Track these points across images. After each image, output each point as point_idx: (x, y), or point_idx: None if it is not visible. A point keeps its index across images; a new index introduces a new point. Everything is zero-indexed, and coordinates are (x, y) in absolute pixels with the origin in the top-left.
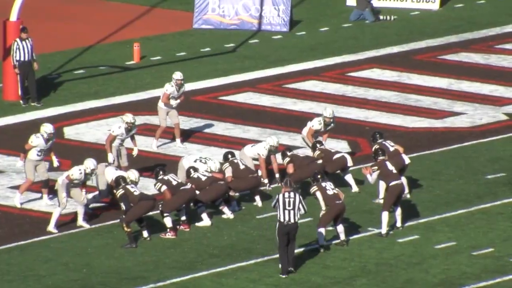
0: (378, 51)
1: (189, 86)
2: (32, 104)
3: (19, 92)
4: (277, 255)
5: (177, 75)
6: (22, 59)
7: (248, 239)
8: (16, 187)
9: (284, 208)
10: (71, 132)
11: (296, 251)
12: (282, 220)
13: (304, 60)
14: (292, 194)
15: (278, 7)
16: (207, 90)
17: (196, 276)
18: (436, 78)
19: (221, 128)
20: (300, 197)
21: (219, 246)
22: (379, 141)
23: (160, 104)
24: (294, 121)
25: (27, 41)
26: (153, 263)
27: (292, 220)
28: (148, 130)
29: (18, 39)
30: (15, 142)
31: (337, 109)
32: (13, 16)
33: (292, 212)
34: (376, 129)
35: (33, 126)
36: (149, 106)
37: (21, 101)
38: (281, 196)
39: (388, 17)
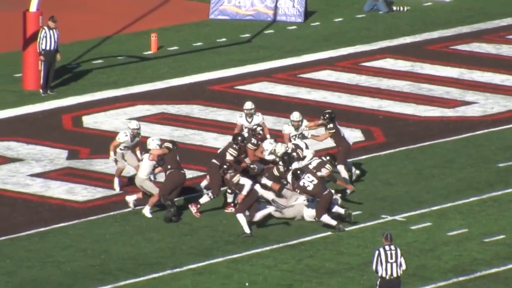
0: (391, 41)
1: (205, 76)
2: (43, 94)
3: (41, 81)
4: (293, 242)
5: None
6: (48, 48)
7: (263, 226)
8: (36, 175)
9: (387, 262)
10: (90, 121)
11: (309, 238)
12: (384, 275)
13: (318, 50)
14: (393, 247)
15: None
16: (223, 80)
17: (212, 262)
18: (448, 68)
19: (237, 117)
20: (402, 251)
21: (235, 233)
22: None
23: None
24: (308, 110)
25: (54, 30)
26: (170, 250)
27: (394, 274)
28: (165, 119)
29: (46, 27)
30: (34, 131)
31: (351, 98)
32: (33, 7)
33: (394, 265)
34: (390, 118)
35: (52, 115)
36: (166, 96)
37: (40, 90)
38: (382, 249)
39: (401, 8)
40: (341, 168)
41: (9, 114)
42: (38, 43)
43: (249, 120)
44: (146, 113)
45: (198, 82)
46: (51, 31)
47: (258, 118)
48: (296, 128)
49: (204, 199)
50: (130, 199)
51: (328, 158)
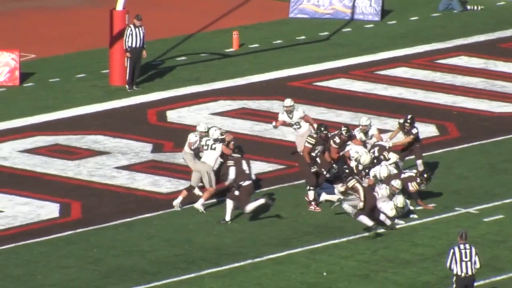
0: (465, 39)
1: (285, 73)
2: (129, 89)
3: (127, 77)
4: (367, 233)
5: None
6: (133, 45)
7: (340, 218)
8: (122, 167)
9: (461, 260)
10: (174, 115)
11: (382, 230)
12: (459, 273)
13: (394, 47)
14: (467, 246)
15: None
16: (302, 76)
17: (291, 252)
18: None
19: (315, 112)
20: (476, 249)
21: (313, 224)
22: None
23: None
24: (385, 106)
25: (140, 28)
26: (251, 240)
27: (469, 272)
28: (246, 114)
29: (132, 25)
30: (120, 125)
31: (426, 95)
32: (119, 6)
33: (469, 263)
34: (464, 114)
35: (137, 110)
36: (247, 91)
37: (126, 86)
38: (456, 248)
39: (475, 7)
40: (419, 162)
41: (97, 108)
42: (124, 40)
43: (290, 116)
44: (228, 108)
45: (277, 78)
46: (136, 29)
47: (298, 113)
48: (365, 133)
49: (311, 195)
50: (176, 203)
51: (418, 174)
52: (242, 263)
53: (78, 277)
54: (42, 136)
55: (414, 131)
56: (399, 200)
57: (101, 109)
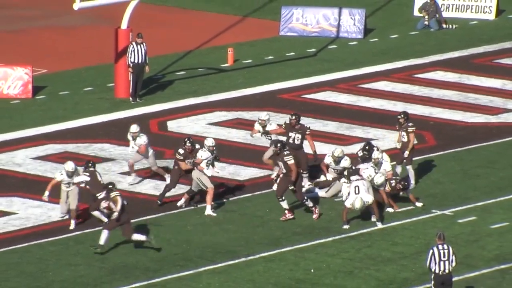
0: (441, 55)
1: (276, 86)
2: (133, 101)
3: (130, 90)
4: (353, 233)
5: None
6: (136, 61)
7: (326, 219)
8: (126, 173)
9: (440, 260)
10: (173, 125)
11: (367, 230)
12: (437, 271)
13: (376, 63)
14: (445, 246)
15: (354, 17)
16: (291, 89)
17: (282, 251)
18: (492, 79)
19: (304, 122)
20: (453, 249)
21: (301, 225)
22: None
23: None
24: (367, 117)
25: (141, 45)
26: (244, 239)
27: (446, 271)
28: (240, 124)
29: (134, 43)
30: (124, 134)
31: (405, 106)
32: (124, 25)
33: (446, 262)
34: (440, 124)
35: (140, 120)
36: (241, 103)
37: (130, 98)
38: (435, 248)
39: (450, 26)
40: (410, 168)
41: (103, 119)
42: (127, 56)
43: (263, 128)
44: (223, 118)
45: (269, 91)
46: (138, 46)
47: (270, 126)
48: (337, 162)
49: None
50: (180, 203)
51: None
52: (236, 261)
53: (86, 274)
54: (53, 144)
55: (410, 124)
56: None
57: (107, 120)
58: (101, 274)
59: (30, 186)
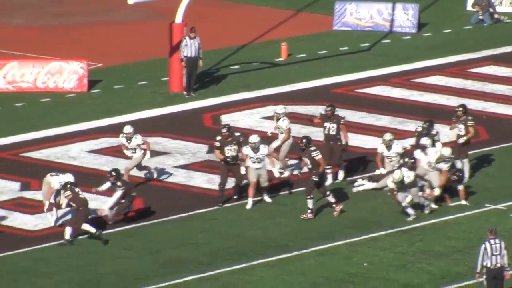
0: (494, 50)
1: (329, 80)
2: (187, 95)
3: (184, 84)
4: (405, 227)
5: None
6: (189, 55)
7: (378, 213)
8: (180, 166)
9: (492, 254)
10: (227, 119)
11: (420, 224)
12: (489, 265)
13: (429, 57)
14: (497, 240)
15: (408, 12)
16: (345, 84)
17: (334, 244)
18: None
19: (357, 116)
20: (505, 244)
21: (353, 219)
22: None
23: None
24: (420, 111)
25: (194, 40)
26: (296, 233)
27: (498, 265)
28: (293, 118)
29: (187, 37)
30: (178, 128)
31: (458, 101)
32: (178, 19)
33: (498, 257)
34: (493, 118)
35: (194, 114)
36: (294, 97)
37: (184, 92)
38: (487, 243)
39: (502, 17)
40: (466, 161)
41: (157, 113)
42: (181, 51)
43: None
44: None
45: (322, 85)
46: (191, 41)
47: (283, 122)
48: (388, 146)
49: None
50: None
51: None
52: (288, 255)
53: (138, 267)
54: (108, 137)
55: (470, 118)
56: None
57: (161, 114)
58: (153, 267)
59: (85, 179)
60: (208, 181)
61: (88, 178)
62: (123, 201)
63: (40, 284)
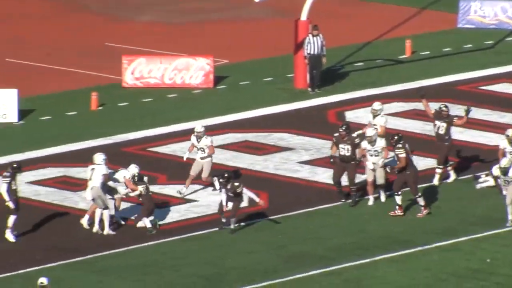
0: None
1: (453, 77)
2: (311, 92)
3: (307, 81)
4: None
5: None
6: (311, 52)
7: (501, 209)
8: (304, 162)
9: None
10: (351, 115)
11: None
12: None
13: None
14: None
15: None
16: (468, 81)
17: (457, 240)
18: None
19: (480, 113)
20: None
21: (477, 216)
22: None
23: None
24: None
25: (317, 37)
26: (419, 229)
27: None
28: (417, 115)
29: (310, 35)
30: (303, 124)
31: None
32: (303, 16)
33: None
34: None
35: (319, 110)
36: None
37: (309, 89)
38: None
39: None
40: None
41: (282, 109)
42: (304, 48)
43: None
44: (400, 109)
45: (446, 82)
46: (314, 38)
47: (381, 119)
48: (511, 142)
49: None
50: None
51: None
52: (412, 250)
53: (264, 261)
54: (233, 133)
55: None
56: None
57: (286, 110)
58: (278, 262)
59: (211, 174)
60: (330, 177)
61: (213, 173)
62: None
63: (167, 277)
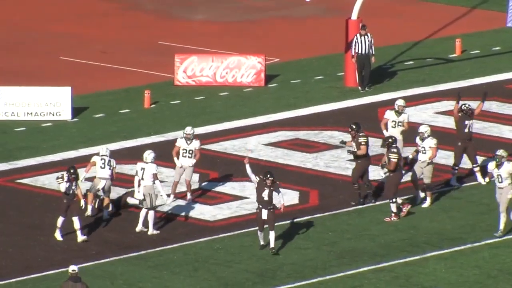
0: None
1: (503, 76)
2: (362, 90)
3: (357, 80)
4: None
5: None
6: (359, 51)
7: None
8: (353, 160)
9: None
10: None
11: None
12: None
13: None
14: None
15: None
16: None
17: (507, 238)
18: None
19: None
20: None
21: None
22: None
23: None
24: None
25: (365, 36)
26: (470, 226)
27: None
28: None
29: (358, 34)
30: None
31: None
32: (354, 15)
33: None
34: None
35: (369, 109)
36: (468, 93)
37: (359, 87)
38: None
39: None
40: None
41: (333, 107)
42: (352, 48)
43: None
44: (450, 108)
45: (496, 81)
46: (362, 37)
47: (404, 115)
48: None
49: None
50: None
51: None
52: (462, 247)
53: (315, 257)
54: (284, 131)
55: None
56: None
57: (336, 108)
58: (329, 258)
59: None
60: (378, 174)
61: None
62: None
63: (219, 273)
